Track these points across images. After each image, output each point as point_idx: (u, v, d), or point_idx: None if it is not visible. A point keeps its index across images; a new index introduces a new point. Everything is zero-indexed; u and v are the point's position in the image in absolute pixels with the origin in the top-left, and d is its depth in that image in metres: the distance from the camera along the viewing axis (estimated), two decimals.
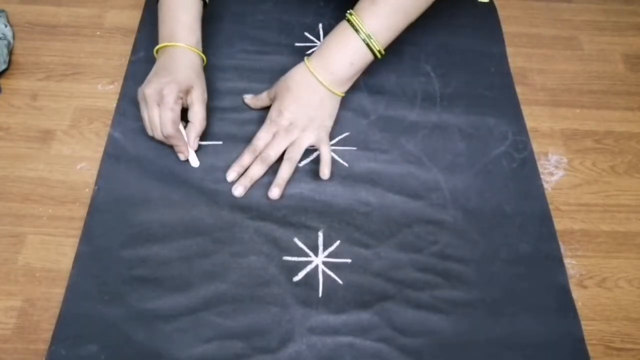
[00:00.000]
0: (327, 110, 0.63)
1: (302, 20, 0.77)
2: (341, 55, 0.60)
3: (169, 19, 0.63)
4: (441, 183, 0.62)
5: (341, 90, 0.63)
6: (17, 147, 0.63)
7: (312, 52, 0.64)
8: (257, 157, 0.61)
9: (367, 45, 0.60)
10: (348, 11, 0.61)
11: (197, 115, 0.60)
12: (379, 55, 0.61)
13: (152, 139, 0.61)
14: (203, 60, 0.64)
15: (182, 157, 0.61)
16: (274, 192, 0.59)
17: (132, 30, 0.75)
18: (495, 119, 0.68)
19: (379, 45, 0.60)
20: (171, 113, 0.58)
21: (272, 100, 0.64)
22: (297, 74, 0.62)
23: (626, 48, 0.78)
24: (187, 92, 0.60)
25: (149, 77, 0.61)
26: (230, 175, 0.60)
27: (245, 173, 0.60)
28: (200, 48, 0.63)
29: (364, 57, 0.61)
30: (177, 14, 0.62)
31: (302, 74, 0.61)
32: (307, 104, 0.61)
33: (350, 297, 0.54)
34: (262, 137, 0.61)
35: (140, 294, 0.52)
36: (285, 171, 0.60)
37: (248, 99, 0.67)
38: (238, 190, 0.59)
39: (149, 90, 0.58)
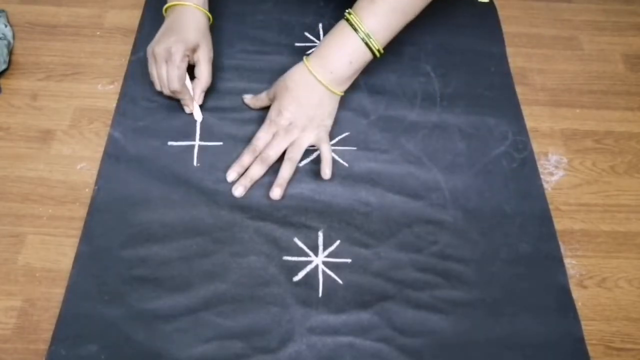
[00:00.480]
0: (326, 109, 0.63)
1: (302, 20, 0.77)
2: (340, 54, 0.60)
3: None
4: (441, 183, 0.62)
5: (340, 90, 0.63)
6: (17, 147, 0.63)
7: (312, 51, 0.64)
8: (257, 157, 0.61)
9: (366, 44, 0.60)
10: (347, 10, 0.61)
11: (203, 72, 0.64)
12: (377, 55, 0.61)
13: (160, 94, 0.65)
14: (209, 20, 0.66)
15: (187, 109, 0.65)
16: (276, 192, 0.59)
17: (132, 30, 0.75)
18: (495, 119, 0.68)
19: (378, 44, 0.60)
20: (178, 70, 0.61)
21: (272, 100, 0.64)
22: (296, 74, 0.62)
23: (626, 48, 0.78)
24: (194, 50, 0.63)
25: (157, 35, 0.64)
26: (230, 176, 0.60)
27: (245, 173, 0.60)
28: (207, 7, 0.66)
29: (363, 56, 0.61)
30: None
31: (301, 73, 0.62)
32: (307, 103, 0.61)
33: (350, 297, 0.54)
34: (262, 137, 0.61)
35: (140, 294, 0.52)
36: (286, 171, 0.60)
37: (247, 99, 0.67)
38: (238, 191, 0.59)
39: (158, 48, 0.62)
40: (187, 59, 0.63)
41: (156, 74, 0.63)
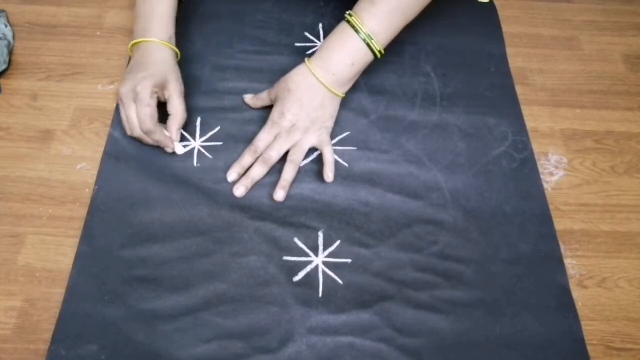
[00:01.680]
0: (328, 111, 0.63)
1: (302, 20, 0.77)
2: (342, 55, 0.60)
3: (142, 14, 0.63)
4: (441, 183, 0.62)
5: (342, 91, 0.63)
6: (17, 147, 0.63)
7: (313, 52, 0.64)
8: (257, 158, 0.61)
9: (368, 45, 0.60)
10: (347, 12, 0.61)
11: (176, 107, 0.60)
12: (379, 55, 0.61)
13: (133, 139, 0.61)
14: (177, 55, 0.64)
15: (168, 150, 0.61)
16: (279, 194, 0.59)
17: (132, 30, 0.75)
18: (495, 119, 0.68)
19: (379, 45, 0.60)
20: (148, 108, 0.58)
21: (273, 100, 0.64)
22: (298, 75, 0.62)
23: (626, 48, 0.78)
24: (163, 86, 0.60)
25: (124, 75, 0.61)
26: (231, 176, 0.60)
27: (247, 174, 0.60)
28: (174, 43, 0.64)
29: (364, 57, 0.61)
30: (151, 7, 0.63)
31: (302, 75, 0.61)
32: (309, 105, 0.61)
33: (350, 297, 0.54)
34: (263, 138, 0.61)
35: (140, 294, 0.52)
36: (288, 173, 0.60)
37: (248, 98, 0.67)
38: (239, 191, 0.59)
39: (123, 89, 0.59)
40: (156, 96, 0.59)
41: (125, 117, 0.59)
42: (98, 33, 0.75)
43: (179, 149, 0.61)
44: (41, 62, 0.71)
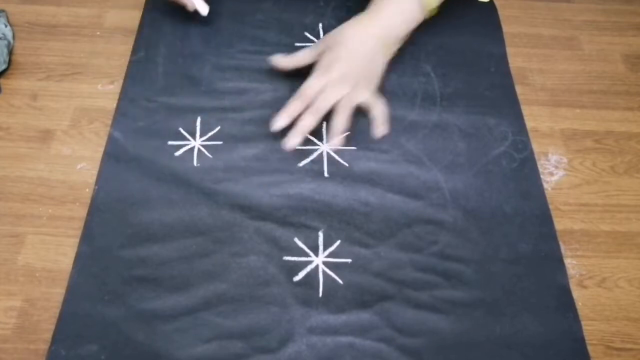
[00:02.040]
0: (377, 68, 0.61)
1: (302, 20, 0.77)
2: (394, 12, 0.60)
3: None
4: (441, 183, 0.62)
5: (392, 50, 0.61)
6: (17, 147, 0.63)
7: (367, 9, 0.63)
8: (307, 107, 0.59)
9: (420, 2, 0.60)
10: None
11: None
12: (430, 14, 0.60)
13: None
14: None
15: (190, 7, 0.63)
16: (335, 141, 0.58)
17: (132, 30, 0.75)
18: (495, 119, 0.68)
19: (433, 2, 0.60)
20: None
21: (318, 56, 0.62)
22: (350, 29, 0.60)
23: (626, 48, 0.78)
24: None
25: None
26: (279, 123, 0.58)
27: (297, 125, 0.59)
28: None
29: (416, 16, 0.61)
30: None
31: (355, 28, 0.60)
32: (359, 58, 0.60)
33: (350, 297, 0.54)
34: (312, 85, 0.60)
35: (140, 294, 0.52)
36: (339, 122, 0.58)
37: (278, 58, 0.64)
38: (293, 141, 0.58)
39: None
40: None
41: None
42: (98, 33, 0.75)
43: (202, 7, 0.63)
44: (41, 62, 0.71)
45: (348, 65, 0.60)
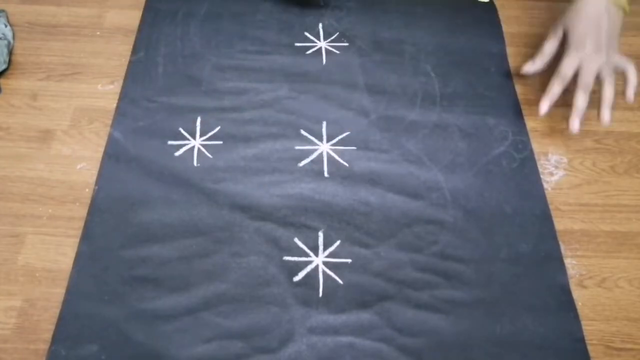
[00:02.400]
0: (616, 27, 0.64)
1: (302, 20, 0.77)
2: None
3: None
4: (441, 183, 0.62)
5: (621, 3, 0.64)
6: (17, 147, 0.63)
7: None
8: (565, 86, 0.63)
9: None
10: None
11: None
12: None
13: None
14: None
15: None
16: (576, 124, 0.61)
17: (132, 30, 0.75)
18: (495, 119, 0.68)
19: None
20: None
21: (562, 36, 0.65)
22: (595, 5, 0.63)
23: (626, 48, 0.77)
24: None
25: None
26: (543, 108, 0.62)
27: (576, 107, 0.62)
28: None
29: None
30: None
31: (600, 4, 0.63)
32: (606, 27, 0.62)
33: (350, 297, 0.54)
34: (569, 64, 0.63)
35: (140, 294, 0.52)
36: (609, 90, 0.62)
37: (530, 67, 0.68)
38: (576, 124, 0.61)
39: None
40: None
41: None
42: (98, 33, 0.75)
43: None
44: (41, 62, 0.71)
45: (598, 39, 0.62)
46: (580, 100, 0.61)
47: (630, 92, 0.63)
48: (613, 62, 0.64)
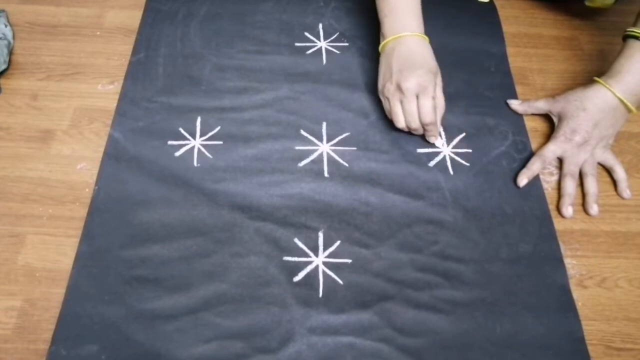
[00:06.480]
0: (617, 128, 0.64)
1: (302, 20, 0.77)
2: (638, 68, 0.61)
3: (394, 11, 0.65)
4: (441, 183, 0.62)
5: (635, 105, 0.63)
6: (17, 147, 0.63)
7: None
8: (545, 167, 0.63)
9: None
10: (628, 30, 0.62)
11: (441, 99, 0.63)
12: None
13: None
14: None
15: (433, 140, 0.64)
16: (595, 209, 0.60)
17: (132, 30, 0.75)
18: (495, 119, 0.68)
19: None
20: (432, 101, 0.61)
21: (555, 114, 0.66)
22: (597, 97, 0.62)
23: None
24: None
25: (393, 71, 0.62)
26: (522, 183, 0.61)
27: (564, 193, 0.61)
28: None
29: None
30: (402, 3, 0.65)
31: (602, 97, 0.62)
32: (603, 124, 0.62)
33: (350, 297, 0.54)
34: (553, 150, 0.63)
35: (140, 294, 0.52)
36: (592, 186, 0.61)
37: (515, 104, 0.68)
38: (569, 211, 0.60)
39: (409, 84, 0.60)
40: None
41: (407, 109, 0.61)
42: (98, 33, 0.75)
43: (439, 142, 0.64)
44: (41, 62, 0.71)
45: (590, 133, 0.62)
46: (569, 187, 0.61)
47: (624, 188, 0.62)
48: (598, 159, 0.64)
